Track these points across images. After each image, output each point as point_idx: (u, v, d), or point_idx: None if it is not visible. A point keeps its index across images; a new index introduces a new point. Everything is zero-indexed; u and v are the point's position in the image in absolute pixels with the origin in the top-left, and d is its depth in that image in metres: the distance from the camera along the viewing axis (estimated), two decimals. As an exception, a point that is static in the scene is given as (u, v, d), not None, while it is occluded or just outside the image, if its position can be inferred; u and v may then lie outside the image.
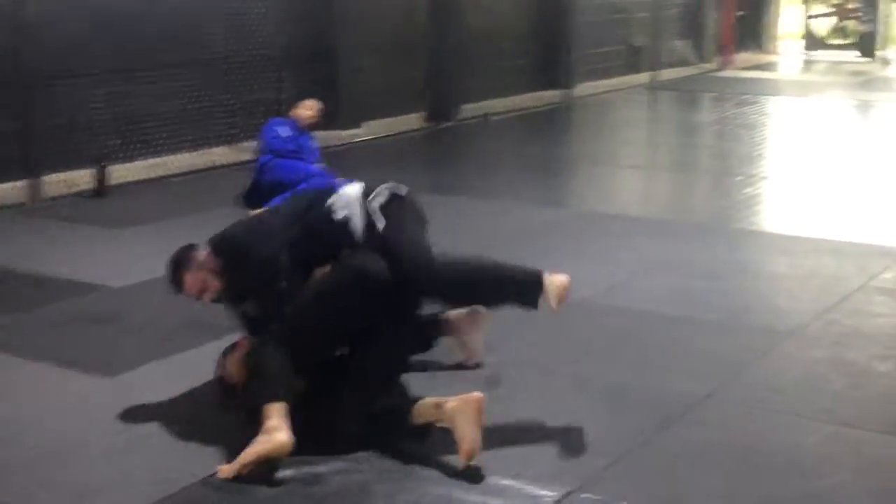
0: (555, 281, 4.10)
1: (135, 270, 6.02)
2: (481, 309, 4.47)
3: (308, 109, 8.07)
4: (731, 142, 10.74)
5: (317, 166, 7.70)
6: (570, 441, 3.89)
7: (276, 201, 7.16)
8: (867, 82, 15.70)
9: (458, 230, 7.01)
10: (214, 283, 4.15)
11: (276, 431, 3.62)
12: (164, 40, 9.17)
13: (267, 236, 4.13)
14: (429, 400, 3.82)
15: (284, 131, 7.80)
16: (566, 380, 4.48)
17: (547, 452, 3.81)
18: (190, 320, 4.96)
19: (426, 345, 4.51)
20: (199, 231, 6.79)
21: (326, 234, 4.13)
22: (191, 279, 4.19)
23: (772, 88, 14.90)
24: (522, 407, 4.20)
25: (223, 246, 4.17)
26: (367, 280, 3.94)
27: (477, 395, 3.72)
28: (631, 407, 4.21)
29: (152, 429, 3.98)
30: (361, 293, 3.94)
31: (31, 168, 7.80)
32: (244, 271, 4.09)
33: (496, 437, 3.93)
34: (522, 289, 4.11)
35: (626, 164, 9.74)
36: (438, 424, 3.76)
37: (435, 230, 6.85)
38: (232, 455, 3.72)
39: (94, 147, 8.53)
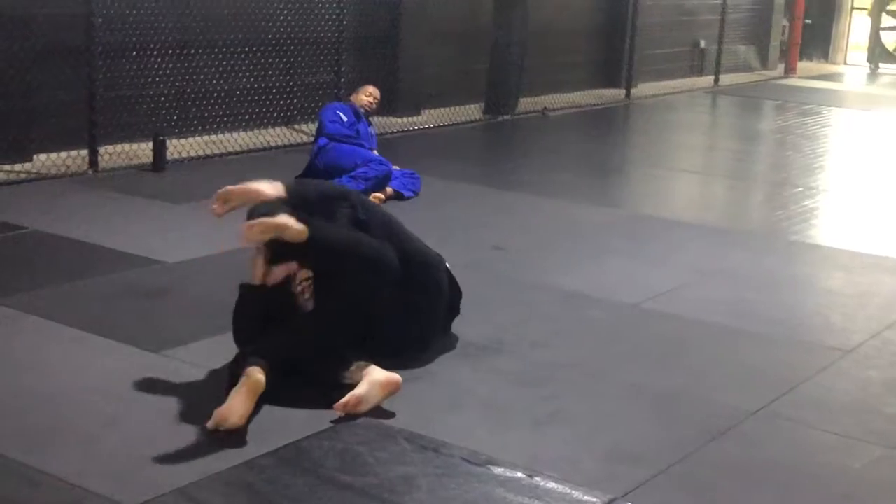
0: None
1: (190, 246, 6.05)
2: None
3: (368, 95, 8.10)
4: (792, 151, 10.59)
5: (373, 153, 7.70)
6: (616, 447, 3.85)
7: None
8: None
9: (511, 227, 7.01)
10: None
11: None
12: (227, 18, 9.22)
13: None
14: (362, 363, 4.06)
15: (343, 116, 7.82)
16: (615, 384, 4.43)
17: (593, 457, 3.77)
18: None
19: None
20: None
21: None
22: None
23: (836, 99, 14.68)
24: (570, 409, 4.17)
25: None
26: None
27: (395, 378, 4.01)
28: (679, 417, 4.16)
29: (198, 407, 3.98)
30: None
31: (91, 138, 7.86)
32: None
33: (543, 437, 3.91)
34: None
35: (684, 168, 9.63)
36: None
37: (488, 225, 6.94)
38: (273, 438, 3.75)
39: (153, 121, 8.60)
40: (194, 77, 9.02)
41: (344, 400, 3.90)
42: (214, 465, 3.56)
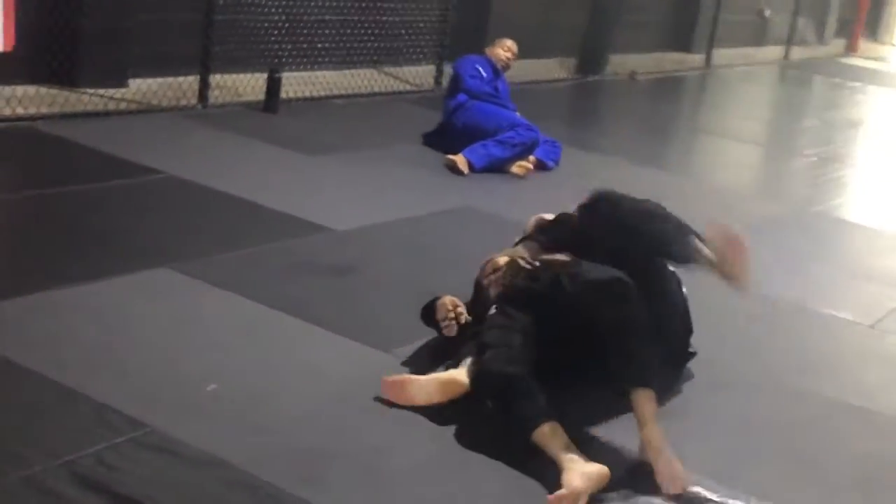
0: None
1: (350, 210, 5.40)
2: None
3: (506, 50, 7.39)
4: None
5: (518, 115, 7.03)
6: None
7: (477, 148, 6.57)
8: None
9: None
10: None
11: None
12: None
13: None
14: (563, 440, 3.15)
15: (482, 70, 7.12)
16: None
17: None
18: (443, 288, 4.26)
19: None
20: (394, 168, 6.35)
21: None
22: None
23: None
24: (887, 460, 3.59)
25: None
26: None
27: (603, 470, 3.08)
28: None
29: (470, 431, 3.33)
30: None
31: (204, 69, 7.06)
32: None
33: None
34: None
35: (823, 156, 8.97)
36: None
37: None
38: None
39: (265, 52, 7.83)
40: (307, 8, 8.23)
41: (561, 493, 2.99)
42: None
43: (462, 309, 3.75)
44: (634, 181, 6.82)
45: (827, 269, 5.72)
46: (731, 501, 3.15)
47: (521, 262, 3.64)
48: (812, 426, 3.77)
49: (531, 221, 4.00)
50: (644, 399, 3.26)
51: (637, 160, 7.52)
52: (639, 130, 9.01)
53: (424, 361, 3.76)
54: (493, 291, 3.62)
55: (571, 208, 4.06)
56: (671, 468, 3.17)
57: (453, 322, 3.71)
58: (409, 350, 3.84)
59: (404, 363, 3.74)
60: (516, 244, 3.91)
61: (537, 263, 3.59)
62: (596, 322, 3.34)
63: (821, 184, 7.98)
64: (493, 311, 3.50)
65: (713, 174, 7.75)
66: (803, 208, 7.00)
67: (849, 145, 9.65)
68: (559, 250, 3.63)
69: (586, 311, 3.36)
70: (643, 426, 3.24)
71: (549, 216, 4.02)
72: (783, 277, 5.38)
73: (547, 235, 3.81)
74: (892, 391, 4.18)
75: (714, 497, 3.16)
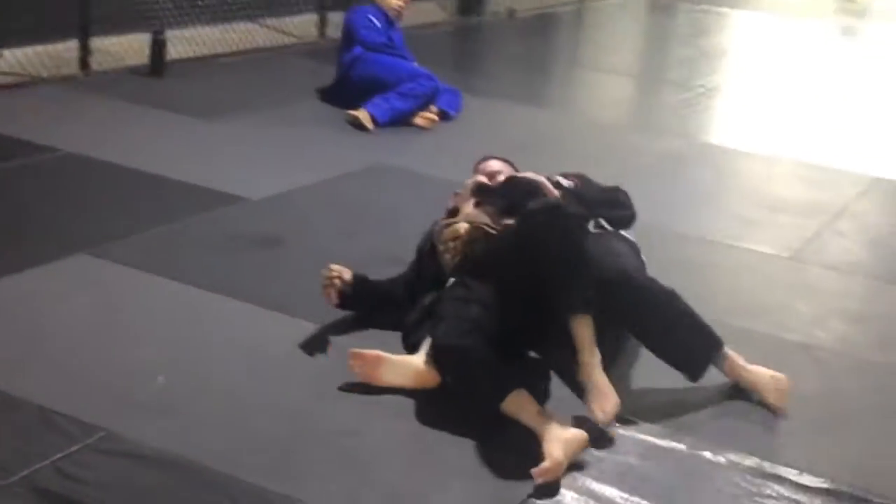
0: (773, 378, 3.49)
1: (261, 178, 5.22)
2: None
3: (398, -1, 7.22)
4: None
5: (416, 65, 6.90)
6: None
7: (379, 102, 6.43)
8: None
9: (559, 150, 6.30)
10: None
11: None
12: None
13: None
14: (533, 407, 3.10)
15: (375, 21, 6.96)
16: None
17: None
18: (376, 253, 4.25)
19: None
20: (297, 128, 6.19)
21: None
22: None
23: (777, 6, 14.37)
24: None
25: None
26: None
27: (582, 435, 3.03)
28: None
29: (427, 408, 3.26)
30: None
31: (83, 33, 6.72)
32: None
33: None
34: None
35: (681, 82, 9.14)
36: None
37: (539, 150, 6.22)
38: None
39: (144, 12, 7.45)
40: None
41: (545, 466, 2.91)
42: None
43: (342, 274, 3.61)
44: (527, 123, 6.88)
45: (734, 201, 5.78)
46: (699, 452, 3.18)
47: (486, 228, 3.56)
48: (757, 366, 3.82)
49: (469, 183, 3.90)
50: (582, 325, 3.25)
51: (526, 101, 7.48)
52: (524, 71, 8.97)
53: (363, 333, 3.66)
54: (449, 259, 3.53)
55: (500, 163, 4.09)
56: (603, 395, 3.16)
57: (331, 288, 3.58)
58: (349, 322, 3.73)
59: (346, 336, 3.63)
60: (459, 207, 3.82)
61: (499, 228, 3.51)
62: (532, 256, 3.26)
63: (709, 115, 8.09)
64: (451, 282, 3.42)
65: (602, 111, 7.76)
66: (697, 141, 7.05)
67: (728, 73, 9.77)
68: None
69: (523, 246, 3.28)
70: (580, 351, 3.24)
71: (484, 178, 3.94)
72: (693, 214, 5.45)
73: (506, 199, 3.70)
74: (824, 323, 4.24)
75: (682, 447, 3.19)
